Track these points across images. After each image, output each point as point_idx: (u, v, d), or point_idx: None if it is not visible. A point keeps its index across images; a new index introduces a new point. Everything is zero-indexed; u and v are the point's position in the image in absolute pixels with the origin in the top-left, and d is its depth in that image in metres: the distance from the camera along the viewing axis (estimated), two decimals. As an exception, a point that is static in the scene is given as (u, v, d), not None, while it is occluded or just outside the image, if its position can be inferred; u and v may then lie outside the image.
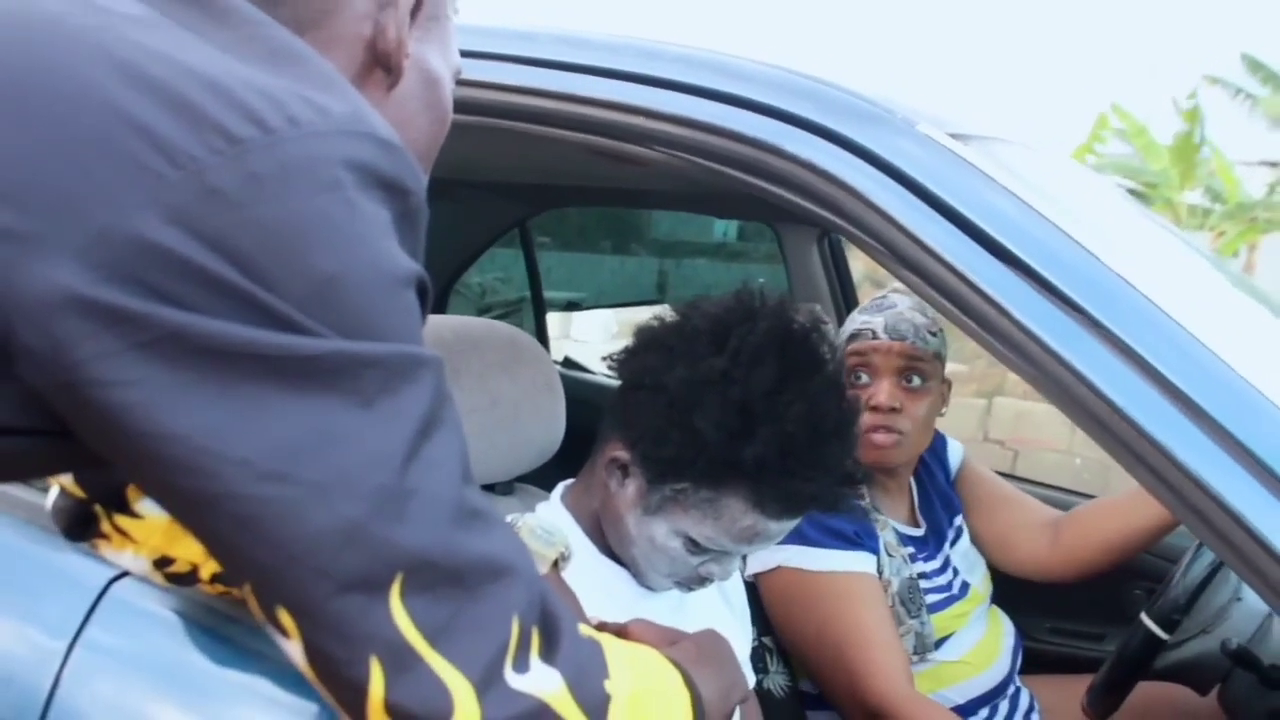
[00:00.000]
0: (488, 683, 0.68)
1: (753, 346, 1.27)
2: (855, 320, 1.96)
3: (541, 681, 0.71)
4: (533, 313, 3.40)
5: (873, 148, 1.07)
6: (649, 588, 1.42)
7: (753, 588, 1.86)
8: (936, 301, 1.02)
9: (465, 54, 1.30)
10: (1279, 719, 1.53)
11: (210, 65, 0.67)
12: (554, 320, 3.74)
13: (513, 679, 0.69)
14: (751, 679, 1.64)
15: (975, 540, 2.15)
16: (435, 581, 0.67)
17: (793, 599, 1.84)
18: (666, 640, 1.00)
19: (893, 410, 1.88)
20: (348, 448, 0.65)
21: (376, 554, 0.66)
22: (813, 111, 1.10)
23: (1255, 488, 0.88)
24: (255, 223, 0.63)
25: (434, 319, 1.69)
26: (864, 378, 1.90)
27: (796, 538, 1.79)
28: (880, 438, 1.89)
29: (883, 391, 1.88)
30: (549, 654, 0.72)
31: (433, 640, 0.67)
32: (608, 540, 1.42)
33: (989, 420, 8.03)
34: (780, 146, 1.09)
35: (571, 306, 4.01)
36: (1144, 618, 1.67)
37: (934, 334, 1.93)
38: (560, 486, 1.51)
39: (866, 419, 1.86)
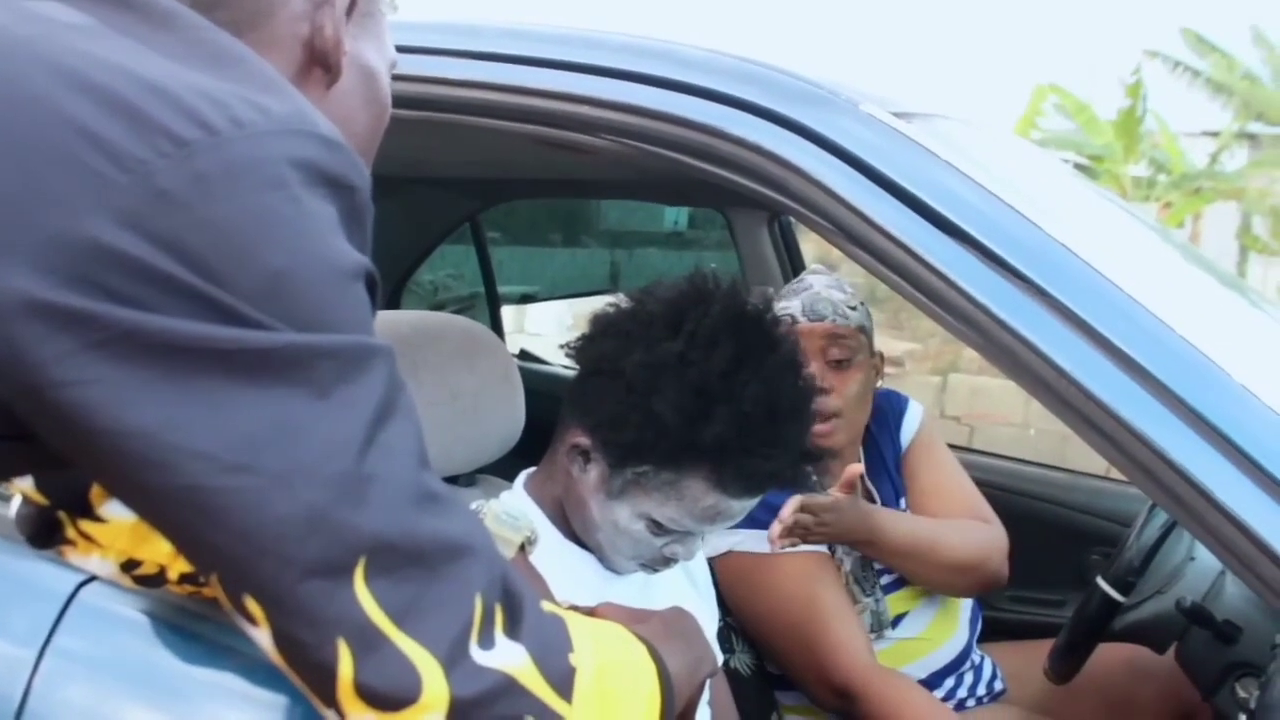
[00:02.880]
0: (454, 660, 0.70)
1: (708, 329, 1.29)
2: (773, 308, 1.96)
3: (507, 657, 0.72)
4: (487, 308, 3.40)
5: (817, 128, 1.08)
6: (614, 571, 1.44)
7: (711, 569, 1.88)
8: (886, 277, 1.04)
9: (412, 50, 1.31)
10: (1233, 671, 1.55)
11: (153, 70, 0.69)
12: (508, 314, 3.73)
13: (479, 655, 0.71)
14: (719, 658, 1.66)
15: None
16: (398, 563, 0.69)
17: (747, 582, 1.85)
18: (634, 619, 1.01)
19: (822, 391, 1.87)
20: (306, 437, 0.67)
21: (339, 539, 0.67)
22: (757, 95, 1.11)
23: (1201, 445, 0.91)
24: (204, 222, 0.65)
25: (391, 314, 1.69)
26: None
27: (747, 521, 1.81)
28: (818, 428, 1.88)
29: None
30: (513, 630, 0.74)
31: (398, 621, 0.68)
32: (571, 526, 1.43)
33: (944, 397, 8.10)
34: (726, 130, 1.10)
35: (526, 299, 4.01)
36: (1100, 581, 1.70)
37: (853, 309, 1.93)
38: (522, 475, 1.53)
39: None
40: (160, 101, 0.66)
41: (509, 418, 1.67)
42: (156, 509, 0.69)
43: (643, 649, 0.88)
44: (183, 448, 0.65)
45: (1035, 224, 1.02)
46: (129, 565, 1.03)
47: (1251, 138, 16.90)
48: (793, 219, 2.43)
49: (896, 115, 1.12)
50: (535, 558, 1.26)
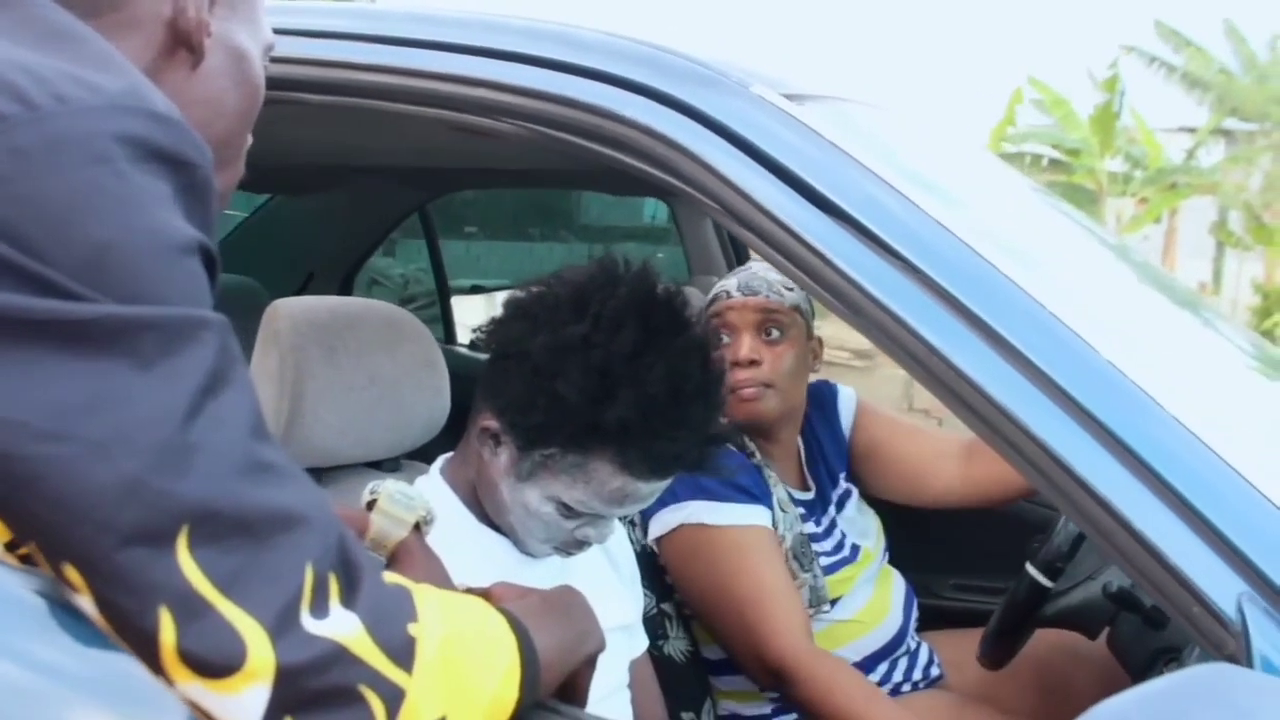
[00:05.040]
0: (282, 628, 0.70)
1: (613, 311, 1.29)
2: (714, 287, 2.03)
3: (339, 626, 0.73)
4: (438, 297, 3.41)
5: (706, 110, 1.09)
6: (529, 554, 1.44)
7: (650, 554, 1.89)
8: (770, 255, 1.05)
9: (319, 34, 1.31)
10: (1161, 656, 1.56)
11: None
12: (480, 305, 3.74)
13: (310, 624, 0.71)
14: (644, 642, 1.67)
15: (886, 482, 2.19)
16: (223, 532, 0.69)
17: (695, 557, 1.87)
18: (521, 597, 1.01)
19: (753, 363, 1.91)
20: (126, 406, 0.67)
21: (158, 507, 0.68)
22: (649, 77, 1.12)
23: (1060, 418, 0.92)
24: (22, 196, 0.66)
25: (310, 300, 1.69)
26: (725, 337, 1.94)
27: (700, 493, 1.83)
28: (746, 391, 1.91)
29: (743, 346, 1.91)
30: (349, 599, 0.74)
31: (224, 589, 0.69)
32: (485, 509, 1.44)
33: (913, 390, 8.11)
34: (616, 112, 1.11)
35: (476, 290, 4.01)
36: (1028, 567, 1.71)
37: (790, 289, 1.97)
38: (440, 460, 1.53)
39: (731, 376, 1.87)
40: None
41: (432, 404, 1.67)
42: None
43: (502, 621, 0.87)
44: None
45: (914, 203, 1.03)
46: (11, 545, 1.03)
47: (1228, 134, 16.98)
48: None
49: (788, 97, 1.13)
50: (447, 540, 1.25)
